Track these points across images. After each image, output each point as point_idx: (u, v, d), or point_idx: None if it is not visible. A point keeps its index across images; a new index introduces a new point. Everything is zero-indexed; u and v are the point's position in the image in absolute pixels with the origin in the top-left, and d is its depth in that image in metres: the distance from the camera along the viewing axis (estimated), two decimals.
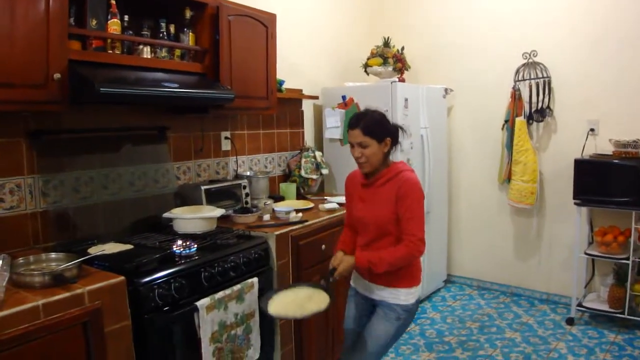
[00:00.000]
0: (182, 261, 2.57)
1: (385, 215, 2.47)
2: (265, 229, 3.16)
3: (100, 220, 2.94)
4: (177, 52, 3.04)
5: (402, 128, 2.65)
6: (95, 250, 2.56)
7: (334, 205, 3.73)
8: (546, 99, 4.54)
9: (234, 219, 3.33)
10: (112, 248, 2.63)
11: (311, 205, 3.80)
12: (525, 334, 4.13)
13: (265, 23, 3.53)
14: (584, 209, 4.20)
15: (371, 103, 4.31)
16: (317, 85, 4.67)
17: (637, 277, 4.05)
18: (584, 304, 4.27)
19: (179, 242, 2.71)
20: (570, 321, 4.28)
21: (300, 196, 4.21)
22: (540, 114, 4.56)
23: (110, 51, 2.68)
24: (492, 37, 4.83)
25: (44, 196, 2.72)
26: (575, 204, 4.14)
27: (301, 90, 4.40)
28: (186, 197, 3.38)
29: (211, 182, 3.57)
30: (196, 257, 2.63)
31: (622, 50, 4.24)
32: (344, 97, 4.45)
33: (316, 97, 4.58)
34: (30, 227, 2.67)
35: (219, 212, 3.10)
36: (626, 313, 4.02)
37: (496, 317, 4.45)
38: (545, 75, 4.53)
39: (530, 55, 4.58)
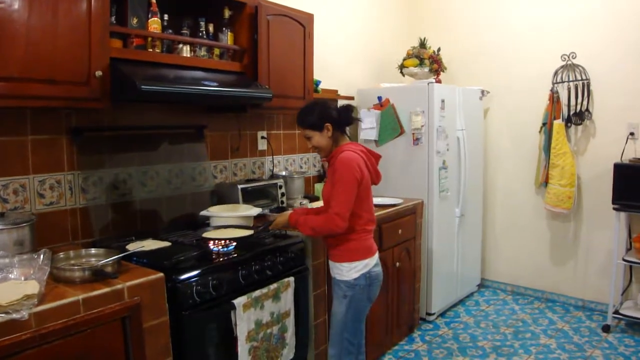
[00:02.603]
0: (220, 259, 2.52)
1: (327, 192, 2.61)
2: None
3: (138, 218, 2.93)
4: (216, 51, 3.01)
5: (350, 110, 2.72)
6: (133, 247, 2.53)
7: None
8: (585, 102, 4.38)
9: (269, 218, 3.27)
10: (150, 245, 2.60)
11: None
12: (560, 340, 3.98)
13: (302, 23, 3.48)
14: (623, 215, 4.03)
15: (407, 104, 4.28)
16: (351, 86, 4.60)
17: None
18: (620, 312, 4.10)
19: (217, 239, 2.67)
20: (606, 328, 4.11)
21: None
22: (578, 117, 4.41)
23: (151, 50, 2.66)
24: (530, 39, 4.68)
25: (83, 192, 2.71)
26: (614, 209, 3.98)
27: (337, 91, 4.34)
28: (223, 195, 3.35)
29: (247, 181, 3.54)
30: (234, 255, 2.58)
31: None
32: (379, 98, 4.37)
33: (352, 98, 4.51)
34: (70, 223, 2.67)
35: (255, 210, 3.06)
36: None
37: (530, 323, 4.31)
38: (584, 77, 4.38)
39: (569, 57, 4.43)
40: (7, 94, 2.07)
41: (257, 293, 2.56)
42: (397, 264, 3.81)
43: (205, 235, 2.73)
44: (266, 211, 3.30)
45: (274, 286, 2.67)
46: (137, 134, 2.94)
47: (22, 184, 2.49)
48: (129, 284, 2.08)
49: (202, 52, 2.91)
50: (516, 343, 3.94)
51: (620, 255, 4.07)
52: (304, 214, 2.74)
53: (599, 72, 4.33)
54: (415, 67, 4.62)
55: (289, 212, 2.81)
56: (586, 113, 4.38)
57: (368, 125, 4.45)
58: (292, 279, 2.80)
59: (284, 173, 3.89)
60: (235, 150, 3.57)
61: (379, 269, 2.75)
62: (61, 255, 2.24)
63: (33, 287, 1.85)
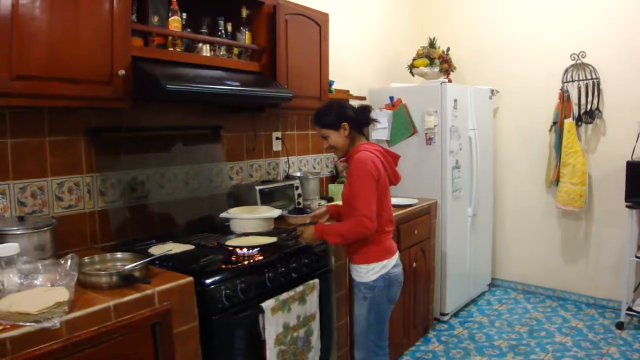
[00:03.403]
0: (246, 262, 2.41)
1: (345, 193, 2.53)
2: None
3: (156, 220, 2.81)
4: (235, 50, 2.90)
5: (368, 110, 2.63)
6: (157, 251, 2.42)
7: None
8: (595, 101, 4.30)
9: (288, 219, 3.16)
10: (174, 248, 2.48)
11: None
12: (575, 338, 3.90)
13: (318, 22, 3.38)
14: (635, 212, 3.95)
15: (419, 104, 4.19)
16: (362, 86, 4.50)
17: None
18: (634, 309, 4.03)
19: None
20: (620, 325, 4.03)
21: None
22: (589, 116, 4.33)
23: (171, 49, 2.55)
24: (540, 38, 4.60)
25: (101, 195, 2.59)
26: (627, 206, 3.90)
27: (348, 91, 4.24)
28: (240, 197, 3.24)
29: (264, 182, 3.43)
30: (259, 258, 2.47)
31: None
32: (391, 98, 4.28)
33: (363, 98, 4.41)
34: (88, 226, 2.55)
35: (276, 212, 2.94)
36: None
37: (544, 321, 4.22)
38: (594, 76, 4.30)
39: (578, 57, 4.35)
40: (28, 92, 1.96)
41: (284, 296, 2.46)
42: (414, 264, 3.71)
43: (229, 243, 2.61)
44: (285, 212, 3.19)
45: (300, 288, 2.56)
46: (155, 135, 2.83)
47: (40, 187, 2.37)
48: (158, 288, 1.96)
49: (222, 51, 2.80)
50: (532, 342, 3.85)
51: (632, 253, 4.00)
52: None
53: (609, 71, 4.25)
54: (426, 67, 4.53)
55: (313, 225, 2.64)
56: (596, 112, 4.31)
57: (380, 125, 4.34)
58: (317, 280, 2.69)
59: (298, 174, 3.78)
60: (252, 151, 3.46)
61: (399, 269, 2.65)
62: (86, 259, 2.12)
63: (62, 294, 1.74)
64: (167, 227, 2.82)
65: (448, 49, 4.68)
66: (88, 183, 2.54)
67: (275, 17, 3.01)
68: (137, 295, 1.89)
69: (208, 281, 2.16)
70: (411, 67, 4.65)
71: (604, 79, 4.28)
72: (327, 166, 4.21)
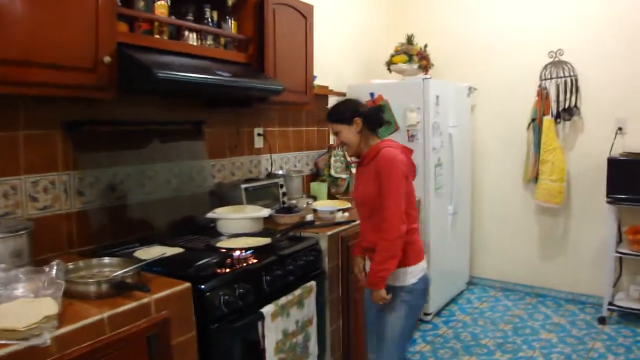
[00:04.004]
0: (242, 265, 2.23)
1: (370, 193, 2.33)
2: (316, 229, 2.83)
3: (139, 222, 2.58)
4: (222, 40, 2.70)
5: (381, 110, 2.50)
6: (144, 254, 2.20)
7: None
8: (573, 98, 4.29)
9: (276, 219, 2.99)
10: (162, 251, 2.27)
11: (349, 204, 3.47)
12: (560, 334, 3.86)
13: (305, 14, 3.21)
14: (615, 208, 3.95)
15: (401, 100, 4.07)
16: (341, 82, 4.34)
17: None
18: (615, 303, 4.03)
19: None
20: (602, 320, 4.03)
21: (330, 196, 3.89)
22: (567, 113, 4.32)
23: (157, 35, 2.34)
24: (517, 36, 4.56)
25: (79, 195, 2.36)
26: (607, 202, 3.90)
27: (328, 87, 4.08)
28: (224, 196, 3.03)
29: (247, 180, 3.23)
30: (255, 261, 2.29)
31: None
32: (372, 94, 4.15)
33: (343, 94, 4.27)
34: (65, 229, 2.31)
35: (266, 211, 2.77)
36: None
37: (527, 319, 4.17)
38: (572, 74, 4.29)
39: (556, 54, 4.33)
40: (6, 79, 1.72)
41: (283, 300, 2.29)
42: None
43: (220, 245, 2.42)
44: (272, 212, 3.00)
45: (298, 292, 2.40)
46: (136, 130, 2.60)
47: (12, 186, 2.13)
48: (155, 296, 1.76)
49: (209, 40, 2.60)
50: (518, 339, 3.79)
51: (613, 248, 3.99)
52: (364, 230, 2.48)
53: (586, 69, 4.25)
54: (404, 63, 4.42)
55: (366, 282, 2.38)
56: (575, 109, 4.30)
57: None
58: (314, 283, 2.54)
59: (281, 172, 3.60)
60: (234, 147, 3.26)
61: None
62: (70, 266, 1.89)
63: (50, 306, 1.52)
64: (150, 228, 2.60)
65: (426, 46, 4.59)
66: (65, 182, 2.30)
67: (262, 6, 2.82)
68: (132, 304, 1.69)
69: (205, 287, 1.97)
70: (389, 63, 4.54)
71: (582, 77, 4.27)
72: (308, 164, 4.04)
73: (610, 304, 4.03)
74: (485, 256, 4.96)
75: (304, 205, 3.23)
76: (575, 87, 4.28)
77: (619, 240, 4.13)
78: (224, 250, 2.34)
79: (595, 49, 4.21)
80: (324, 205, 3.33)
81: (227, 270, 2.14)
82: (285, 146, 3.78)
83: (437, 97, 4.03)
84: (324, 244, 2.76)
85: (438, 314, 4.30)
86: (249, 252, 2.35)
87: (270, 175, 3.53)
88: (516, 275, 4.82)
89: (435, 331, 3.97)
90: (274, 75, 2.91)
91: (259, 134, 3.47)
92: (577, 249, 4.47)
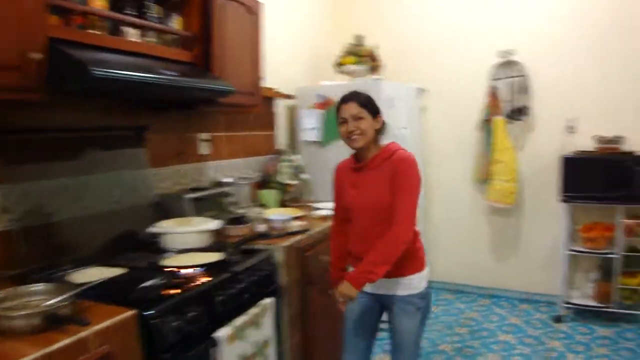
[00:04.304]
0: (191, 284, 2.01)
1: (381, 198, 2.18)
2: (270, 240, 2.65)
3: (74, 240, 2.30)
4: (166, 37, 2.47)
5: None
6: (81, 278, 1.96)
7: (328, 212, 3.26)
8: (524, 98, 4.29)
9: (226, 231, 2.77)
10: (100, 273, 2.03)
11: (301, 213, 3.31)
12: (517, 335, 3.83)
13: (254, 11, 3.02)
14: (568, 206, 3.95)
15: None
16: (288, 84, 4.16)
17: (624, 271, 3.86)
18: (570, 301, 4.04)
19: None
20: (558, 319, 4.03)
21: (280, 203, 3.70)
22: (519, 113, 4.31)
23: (94, 31, 2.09)
24: (468, 35, 4.53)
25: (4, 212, 2.07)
26: (562, 201, 3.90)
27: (275, 89, 3.90)
28: (168, 208, 2.78)
29: (192, 190, 2.99)
30: (206, 279, 2.08)
31: (598, 48, 4.07)
32: (321, 97, 3.99)
33: (292, 97, 4.10)
34: None
35: (215, 223, 2.55)
36: (615, 307, 3.85)
37: (482, 321, 4.13)
38: (522, 74, 4.28)
39: (507, 54, 4.32)
40: None
41: (239, 322, 2.09)
42: None
43: (167, 263, 2.19)
44: (221, 224, 2.79)
45: (254, 311, 2.22)
46: (69, 137, 2.33)
47: None
48: (95, 328, 1.54)
49: (152, 37, 2.37)
50: (476, 343, 3.73)
51: (567, 246, 4.00)
52: (360, 241, 2.27)
53: (537, 69, 4.26)
54: (354, 64, 4.29)
55: (345, 284, 2.17)
56: (525, 109, 4.29)
57: (310, 126, 4.06)
58: (270, 300, 2.35)
59: (228, 179, 3.39)
60: (179, 155, 3.03)
61: None
62: None
63: None
64: (87, 247, 2.32)
65: (375, 47, 4.47)
66: None
67: (209, 2, 2.61)
68: (68, 340, 1.46)
69: (152, 313, 1.75)
70: (338, 64, 4.39)
71: (532, 77, 4.27)
72: (255, 171, 3.83)
73: (566, 302, 4.04)
74: (437, 258, 4.89)
75: (255, 215, 3.03)
76: (525, 87, 4.27)
77: (571, 239, 4.14)
78: (171, 269, 2.12)
79: (545, 49, 4.23)
80: (276, 214, 3.15)
81: (176, 292, 1.92)
82: (233, 152, 3.57)
83: (390, 98, 3.92)
84: (279, 256, 2.58)
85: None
86: (198, 270, 2.14)
87: (217, 184, 3.31)
88: (469, 277, 4.79)
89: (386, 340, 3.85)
90: (221, 76, 2.70)
91: (204, 140, 3.25)
92: (530, 248, 4.48)
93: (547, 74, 4.24)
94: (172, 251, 2.37)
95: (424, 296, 2.31)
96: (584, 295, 4.10)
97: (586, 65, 4.13)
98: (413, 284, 2.25)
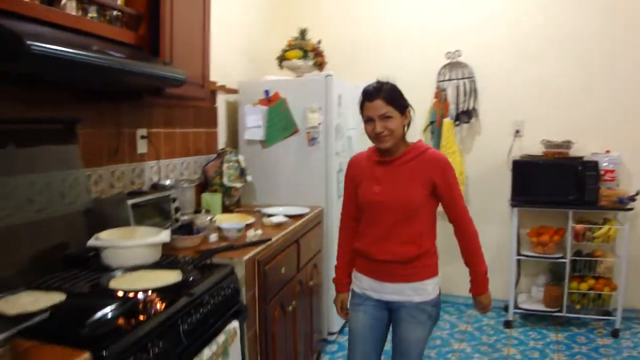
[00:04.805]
0: (152, 313, 1.64)
1: (415, 196, 2.08)
2: (227, 253, 2.30)
3: None
4: (108, 14, 2.06)
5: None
6: (9, 308, 1.53)
7: (282, 219, 2.96)
8: (471, 100, 4.20)
9: (174, 242, 2.39)
10: (35, 301, 1.61)
11: (252, 219, 2.98)
12: (472, 343, 3.73)
13: None
14: (518, 211, 3.89)
15: (301, 99, 3.64)
16: (228, 78, 3.80)
17: (572, 275, 3.85)
18: (520, 306, 3.99)
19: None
20: (508, 324, 3.98)
21: (225, 208, 3.35)
22: (466, 115, 4.21)
23: None
24: (414, 35, 4.38)
25: None
26: (512, 205, 3.84)
27: (216, 83, 3.53)
28: (105, 216, 2.36)
29: (131, 194, 2.58)
30: (166, 305, 1.71)
31: (544, 51, 4.07)
32: (267, 92, 3.68)
33: (235, 91, 3.75)
34: None
35: (165, 235, 2.17)
36: (564, 311, 3.84)
37: (433, 329, 3.98)
38: (469, 75, 4.20)
39: (454, 55, 4.21)
40: None
41: (207, 353, 1.75)
42: (311, 282, 3.19)
43: (115, 285, 1.80)
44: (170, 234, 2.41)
45: (221, 339, 1.88)
46: None
47: None
48: None
49: (93, 12, 1.95)
50: (431, 352, 3.58)
51: (513, 251, 3.95)
52: (377, 244, 2.17)
53: (484, 71, 4.20)
54: (299, 59, 4.00)
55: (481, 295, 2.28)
56: (473, 111, 4.20)
57: (253, 124, 3.73)
58: (237, 323, 2.02)
59: (168, 182, 2.99)
60: (114, 153, 2.60)
61: None
62: None
63: None
64: (9, 266, 1.88)
65: (319, 42, 4.21)
66: None
67: None
68: None
69: (109, 352, 1.37)
70: (281, 58, 4.08)
71: (480, 79, 4.21)
72: (196, 172, 3.45)
73: (517, 307, 3.98)
74: None
75: (205, 223, 2.67)
76: (473, 89, 4.19)
77: (519, 243, 4.10)
78: (122, 294, 1.73)
79: (492, 50, 4.19)
80: (228, 222, 2.81)
81: (134, 323, 1.55)
82: (171, 151, 3.17)
83: (340, 96, 3.69)
84: (240, 272, 2.24)
85: (341, 331, 3.95)
86: (154, 293, 1.77)
87: (156, 187, 2.90)
88: None
89: (343, 352, 3.61)
90: (170, 62, 2.32)
91: (142, 137, 2.83)
92: None
93: (494, 77, 4.19)
94: (117, 269, 1.97)
95: (436, 303, 2.19)
96: (532, 300, 4.08)
97: (532, 69, 4.11)
98: (428, 290, 2.14)
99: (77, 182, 2.31)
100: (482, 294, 2.23)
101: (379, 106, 2.05)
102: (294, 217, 3.11)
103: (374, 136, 2.10)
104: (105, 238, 2.07)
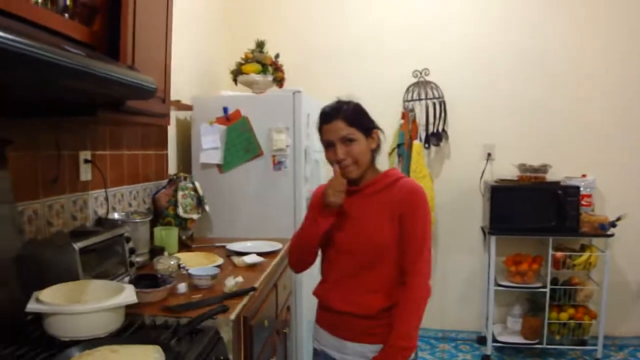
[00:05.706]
0: None
1: (383, 237, 1.73)
2: (206, 310, 1.78)
3: None
4: (56, 2, 1.52)
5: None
6: None
7: (257, 258, 2.46)
8: (441, 122, 3.90)
9: (138, 297, 1.84)
10: None
11: (220, 259, 2.46)
12: None
13: None
14: (494, 239, 3.60)
15: (265, 119, 3.15)
16: (179, 93, 3.25)
17: (551, 304, 3.60)
18: (498, 339, 3.69)
19: None
20: (486, 359, 3.64)
21: (181, 245, 2.80)
22: (436, 138, 3.90)
23: None
24: (381, 51, 4.04)
25: None
26: (489, 233, 3.55)
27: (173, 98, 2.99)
28: (43, 265, 1.77)
29: (75, 235, 2.01)
30: None
31: (513, 73, 3.86)
32: (226, 110, 3.18)
33: (189, 108, 3.22)
34: None
35: (130, 293, 1.64)
36: (545, 343, 3.57)
37: None
38: (437, 95, 3.90)
39: (421, 74, 3.91)
40: None
41: None
42: (286, 329, 2.71)
43: None
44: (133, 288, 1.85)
45: None
46: None
47: None
48: None
49: None
50: None
51: (486, 281, 3.65)
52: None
53: (453, 91, 3.93)
54: (258, 73, 3.52)
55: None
56: (443, 133, 3.90)
57: (210, 145, 3.21)
58: None
59: (116, 216, 2.43)
60: (53, 182, 2.02)
61: None
62: None
63: None
64: None
65: (277, 55, 3.75)
66: None
67: None
68: None
69: None
70: (237, 72, 3.58)
71: (449, 99, 3.93)
72: (145, 202, 2.88)
73: (495, 340, 3.68)
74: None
75: (170, 269, 2.12)
76: (443, 111, 3.89)
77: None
78: None
79: (460, 70, 3.96)
80: (191, 262, 2.29)
81: None
82: (119, 177, 2.59)
83: (309, 115, 3.25)
84: (227, 335, 1.74)
85: None
86: None
87: (102, 223, 2.33)
88: None
89: None
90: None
91: (86, 160, 2.26)
92: (443, 282, 4.06)
93: (463, 98, 3.94)
94: (70, 345, 1.41)
95: (416, 349, 1.77)
96: (509, 331, 3.79)
97: (501, 90, 3.89)
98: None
99: (6, 220, 1.72)
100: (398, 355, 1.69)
101: (340, 128, 1.75)
102: (268, 255, 2.63)
103: (337, 163, 1.76)
104: (48, 301, 1.50)
